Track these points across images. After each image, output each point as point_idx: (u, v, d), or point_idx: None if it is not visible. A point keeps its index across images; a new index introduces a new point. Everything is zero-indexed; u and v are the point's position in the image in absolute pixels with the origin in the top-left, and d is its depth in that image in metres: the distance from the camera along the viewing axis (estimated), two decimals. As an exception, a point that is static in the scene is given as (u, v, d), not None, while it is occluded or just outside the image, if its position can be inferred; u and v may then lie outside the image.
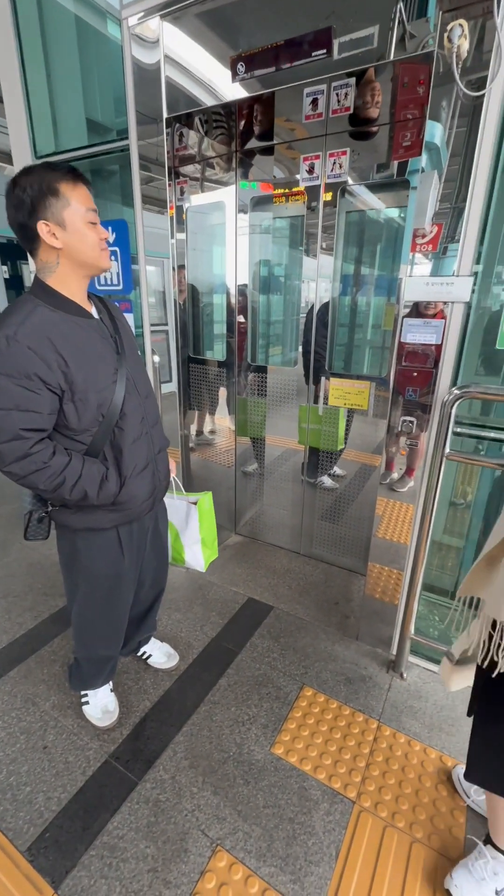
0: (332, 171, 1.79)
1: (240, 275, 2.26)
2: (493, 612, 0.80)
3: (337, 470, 2.39)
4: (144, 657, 1.77)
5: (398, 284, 1.69)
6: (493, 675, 0.85)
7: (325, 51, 1.44)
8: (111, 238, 1.11)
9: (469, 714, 1.02)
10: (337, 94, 1.63)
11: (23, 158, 2.29)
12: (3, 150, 8.14)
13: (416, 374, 1.48)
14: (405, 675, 1.72)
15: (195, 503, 1.60)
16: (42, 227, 0.98)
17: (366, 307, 2.22)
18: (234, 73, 1.66)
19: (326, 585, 2.28)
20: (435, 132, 1.50)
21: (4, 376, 0.94)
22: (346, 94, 1.62)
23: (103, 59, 2.12)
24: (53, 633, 1.94)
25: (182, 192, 2.17)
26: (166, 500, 1.58)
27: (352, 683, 1.70)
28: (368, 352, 2.33)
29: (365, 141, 1.76)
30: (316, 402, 2.21)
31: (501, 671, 0.83)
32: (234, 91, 1.79)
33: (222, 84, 1.82)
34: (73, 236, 1.01)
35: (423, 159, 1.57)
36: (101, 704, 1.55)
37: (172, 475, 1.55)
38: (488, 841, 1.10)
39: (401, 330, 1.48)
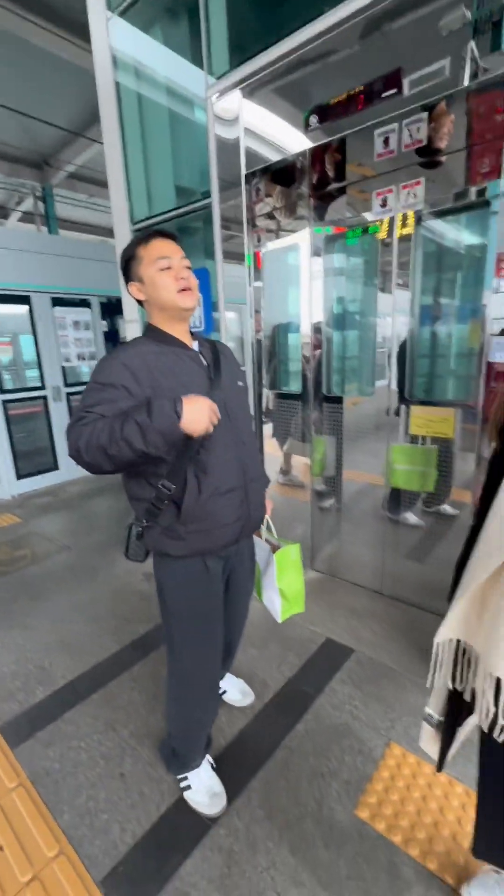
0: (406, 202, 1.80)
1: (315, 313, 2.31)
2: (493, 668, 0.67)
3: (447, 508, 2.19)
4: (220, 693, 1.72)
5: (483, 306, 1.61)
6: (501, 740, 0.70)
7: (395, 90, 1.50)
8: (193, 281, 1.18)
9: (439, 770, 0.94)
10: (408, 130, 1.67)
11: (122, 225, 2.64)
12: (101, 225, 9.57)
13: (508, 395, 1.36)
14: (514, 744, 1.47)
15: (276, 549, 1.48)
16: (131, 288, 1.19)
17: (446, 337, 2.13)
18: (307, 126, 1.78)
19: (413, 630, 2.08)
20: (515, 155, 1.46)
21: (98, 385, 1.08)
22: (419, 128, 1.65)
23: (190, 136, 2.41)
24: (135, 658, 1.99)
25: (259, 240, 2.32)
26: (257, 539, 1.50)
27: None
28: (452, 380, 2.22)
29: (439, 170, 1.76)
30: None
31: None
32: (305, 142, 1.92)
33: (295, 142, 1.96)
34: (149, 286, 1.15)
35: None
36: (205, 787, 1.37)
37: (267, 515, 1.49)
38: None
39: (488, 350, 1.39)
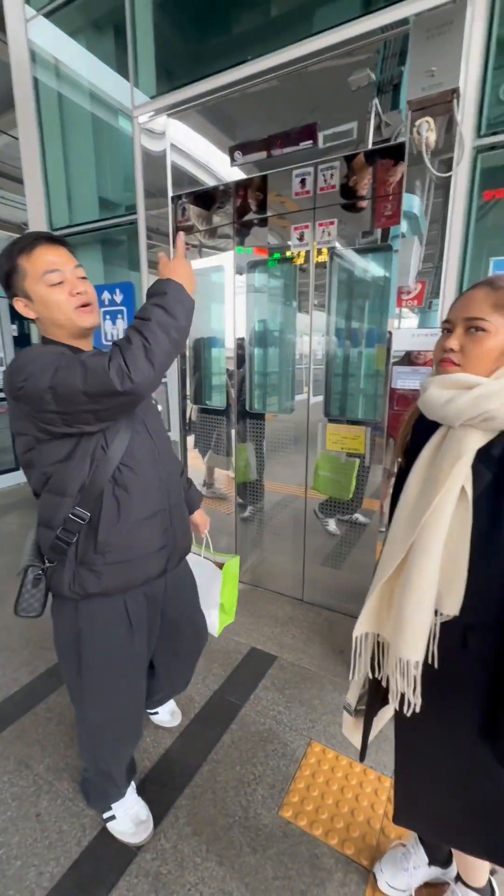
0: (321, 238, 1.97)
1: (238, 329, 2.41)
2: (399, 653, 0.78)
3: (359, 517, 2.34)
4: (151, 713, 1.69)
5: (387, 336, 1.82)
6: (408, 715, 0.83)
7: (311, 141, 1.65)
8: (92, 293, 1.05)
9: (361, 759, 1.05)
10: (323, 175, 1.84)
11: (39, 229, 2.51)
12: (16, 221, 8.94)
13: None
14: (417, 728, 1.65)
15: (221, 566, 1.52)
16: (16, 305, 1.01)
17: (357, 357, 2.35)
18: (232, 159, 1.88)
19: (331, 633, 2.23)
20: (413, 203, 1.68)
21: (42, 358, 0.93)
22: (332, 175, 1.83)
23: (114, 147, 2.39)
24: (49, 688, 1.87)
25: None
26: (193, 557, 1.44)
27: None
28: (362, 399, 2.44)
29: (351, 212, 1.96)
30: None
31: (416, 710, 0.81)
32: (231, 173, 2.02)
33: (221, 166, 2.05)
34: (39, 305, 0.99)
35: (403, 226, 1.74)
36: (130, 815, 1.30)
37: (205, 531, 1.49)
38: (459, 879, 1.11)
39: (391, 377, 1.57)
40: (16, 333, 4.55)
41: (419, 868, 1.16)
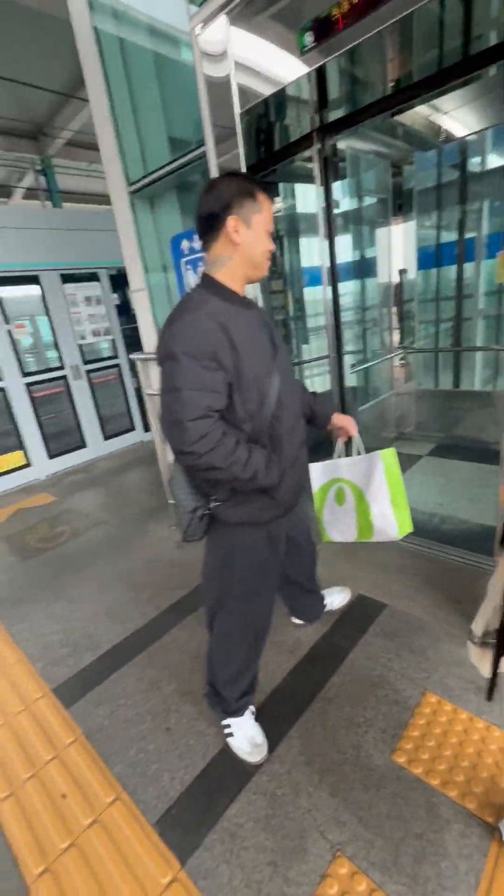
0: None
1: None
2: None
3: None
4: (327, 609, 1.92)
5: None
6: None
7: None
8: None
9: (488, 699, 0.97)
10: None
11: (119, 189, 2.52)
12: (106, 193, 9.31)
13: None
14: (554, 688, 1.46)
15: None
16: (230, 221, 1.06)
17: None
18: (303, 47, 1.59)
19: (445, 582, 2.06)
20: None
21: (189, 357, 0.99)
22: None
23: (180, 81, 2.23)
24: (173, 622, 2.07)
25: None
26: (346, 461, 1.46)
27: (484, 693, 1.50)
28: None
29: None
30: None
31: None
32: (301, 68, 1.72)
33: (290, 68, 1.77)
34: (252, 237, 1.09)
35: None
36: (247, 736, 1.43)
37: (355, 432, 1.44)
38: None
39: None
40: (118, 302, 4.81)
41: None
